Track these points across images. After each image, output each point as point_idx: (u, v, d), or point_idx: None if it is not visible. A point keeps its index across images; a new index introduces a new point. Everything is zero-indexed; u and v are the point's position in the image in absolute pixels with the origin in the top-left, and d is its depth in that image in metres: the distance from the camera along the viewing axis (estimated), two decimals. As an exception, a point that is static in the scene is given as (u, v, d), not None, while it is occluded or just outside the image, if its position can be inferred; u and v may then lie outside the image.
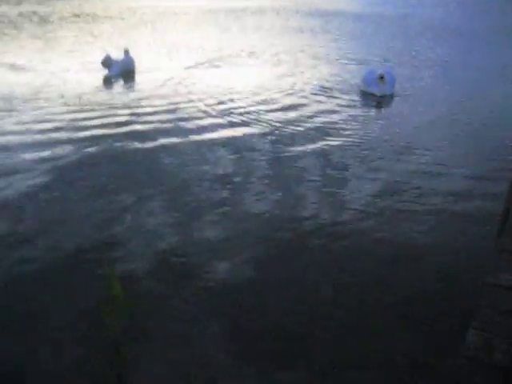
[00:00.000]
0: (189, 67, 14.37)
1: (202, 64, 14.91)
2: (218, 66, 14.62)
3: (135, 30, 23.72)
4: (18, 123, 8.09)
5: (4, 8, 40.90)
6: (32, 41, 18.96)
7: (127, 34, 22.11)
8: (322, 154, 7.13)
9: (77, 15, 33.39)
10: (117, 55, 13.24)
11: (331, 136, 7.84)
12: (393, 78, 11.49)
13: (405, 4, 67.03)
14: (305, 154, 7.13)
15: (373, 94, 11.16)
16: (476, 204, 5.68)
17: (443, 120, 9.17)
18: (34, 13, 34.36)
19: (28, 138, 7.39)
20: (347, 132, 8.17)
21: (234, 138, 7.79)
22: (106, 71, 13.15)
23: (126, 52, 13.58)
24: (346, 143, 7.56)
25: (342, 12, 43.17)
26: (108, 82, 12.36)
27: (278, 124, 8.59)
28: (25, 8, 40.25)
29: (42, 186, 5.92)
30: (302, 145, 7.51)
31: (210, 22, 30.32)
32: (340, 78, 13.11)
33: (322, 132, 8.14)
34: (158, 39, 20.30)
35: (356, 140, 7.76)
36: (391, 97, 11.15)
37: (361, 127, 8.45)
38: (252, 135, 8.07)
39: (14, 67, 13.33)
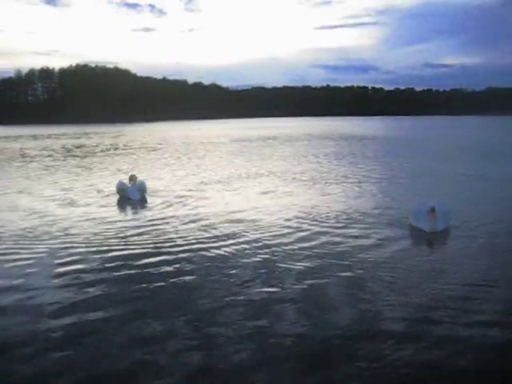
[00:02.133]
0: (208, 190, 14.44)
1: (226, 190, 14.48)
2: (241, 190, 14.37)
3: (166, 160, 24.27)
4: (51, 266, 7.57)
5: (48, 142, 43.55)
6: (66, 171, 19.33)
7: (158, 163, 22.64)
8: (355, 295, 6.07)
9: (114, 147, 34.74)
10: (128, 182, 13.84)
11: (366, 280, 6.60)
12: (447, 211, 9.89)
13: (424, 127, 69.28)
14: (335, 294, 6.14)
15: (422, 230, 9.52)
16: None
17: (499, 263, 7.63)
18: (73, 145, 36.11)
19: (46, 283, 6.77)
20: (384, 276, 6.70)
21: (262, 272, 6.96)
22: (117, 196, 13.45)
23: (132, 178, 13.98)
24: (380, 288, 6.28)
25: (370, 136, 44.31)
26: (124, 208, 12.18)
27: (308, 257, 7.67)
28: (64, 141, 42.68)
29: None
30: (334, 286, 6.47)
31: (242, 149, 31.06)
32: (382, 209, 11.64)
33: (357, 271, 6.92)
34: (186, 166, 20.51)
35: (392, 289, 6.22)
36: (446, 233, 9.47)
37: (400, 272, 7.08)
38: (280, 270, 7.12)
39: (47, 198, 13.36)
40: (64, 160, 25.09)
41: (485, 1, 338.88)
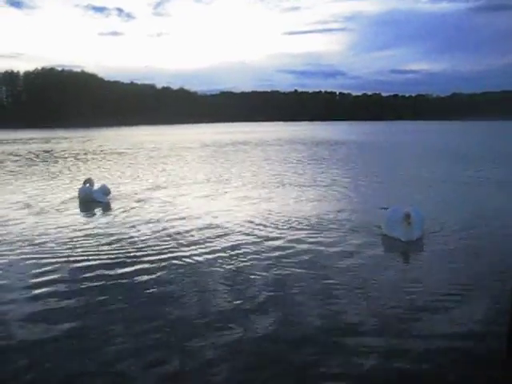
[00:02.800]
0: (179, 195, 14.21)
1: (197, 196, 14.29)
2: (212, 196, 14.17)
3: (137, 165, 24.00)
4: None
5: (17, 146, 42.62)
6: (33, 178, 18.64)
7: (129, 168, 22.32)
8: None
9: (84, 152, 34.27)
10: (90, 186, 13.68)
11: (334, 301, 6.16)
12: (421, 217, 9.07)
13: (391, 132, 70.18)
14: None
15: (397, 239, 8.71)
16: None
17: (476, 272, 7.18)
18: (41, 150, 35.42)
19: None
20: (357, 292, 6.41)
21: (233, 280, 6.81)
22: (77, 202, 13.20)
23: (88, 181, 13.77)
24: (354, 303, 6.01)
25: (340, 141, 44.73)
26: (91, 214, 11.90)
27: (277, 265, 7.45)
28: (32, 146, 41.83)
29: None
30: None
31: (214, 154, 30.96)
32: (353, 216, 11.08)
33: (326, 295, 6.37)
34: (157, 172, 20.12)
35: (367, 304, 5.93)
36: (420, 241, 8.79)
37: (374, 287, 6.56)
38: (250, 281, 6.89)
39: (12, 205, 12.74)
40: (32, 165, 24.56)
41: (449, 9, 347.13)
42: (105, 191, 13.75)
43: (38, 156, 30.77)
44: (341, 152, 32.29)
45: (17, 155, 31.59)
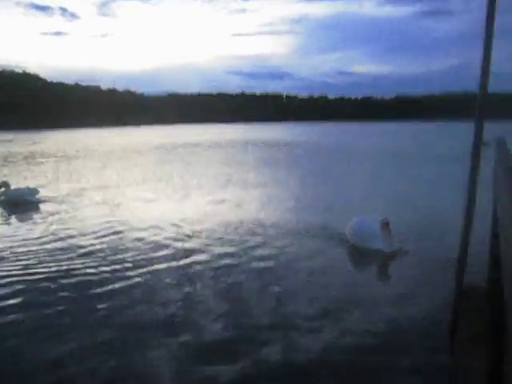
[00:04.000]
0: (130, 201, 13.77)
1: (149, 201, 13.84)
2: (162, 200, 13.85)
3: (89, 169, 23.36)
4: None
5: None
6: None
7: (81, 172, 21.69)
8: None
9: (31, 157, 33.18)
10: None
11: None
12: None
13: (337, 133, 70.98)
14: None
15: (376, 251, 7.84)
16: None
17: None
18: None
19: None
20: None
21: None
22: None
23: (4, 185, 13.77)
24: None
25: (290, 143, 44.91)
26: (23, 219, 11.73)
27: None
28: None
29: None
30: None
31: (168, 157, 30.58)
32: (311, 224, 10.05)
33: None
34: (96, 174, 19.60)
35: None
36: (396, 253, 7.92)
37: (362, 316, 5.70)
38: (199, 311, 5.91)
39: None
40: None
41: (394, 13, 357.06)
42: (32, 192, 13.83)
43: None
44: (292, 153, 32.61)
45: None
